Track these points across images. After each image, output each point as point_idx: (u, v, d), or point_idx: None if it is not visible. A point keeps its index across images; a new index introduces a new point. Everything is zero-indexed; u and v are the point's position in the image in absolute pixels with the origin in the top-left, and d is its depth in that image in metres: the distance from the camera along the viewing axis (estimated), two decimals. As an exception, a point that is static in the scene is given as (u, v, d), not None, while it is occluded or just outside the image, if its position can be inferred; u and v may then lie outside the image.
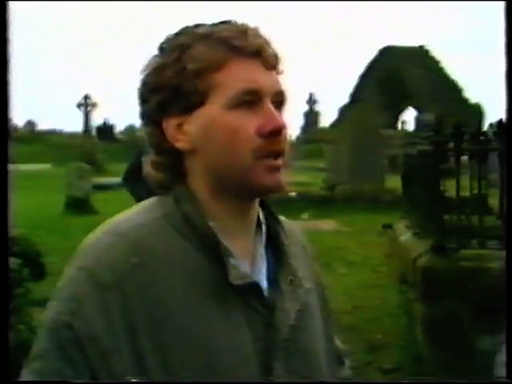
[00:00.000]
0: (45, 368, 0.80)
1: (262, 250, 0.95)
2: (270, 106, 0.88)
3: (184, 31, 0.91)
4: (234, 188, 0.89)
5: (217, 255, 0.86)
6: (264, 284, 0.91)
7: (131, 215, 0.91)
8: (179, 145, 0.89)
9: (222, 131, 0.86)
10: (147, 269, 0.83)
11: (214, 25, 0.90)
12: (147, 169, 0.94)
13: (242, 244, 0.91)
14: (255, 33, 0.90)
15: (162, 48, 0.91)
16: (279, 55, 0.92)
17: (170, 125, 0.89)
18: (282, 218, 1.03)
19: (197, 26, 0.91)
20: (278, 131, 0.87)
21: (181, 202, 0.89)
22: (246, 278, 0.87)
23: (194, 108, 0.88)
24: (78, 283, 0.82)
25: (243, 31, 0.88)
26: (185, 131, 0.89)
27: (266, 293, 0.90)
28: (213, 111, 0.87)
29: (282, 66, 0.93)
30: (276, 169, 0.88)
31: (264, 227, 0.97)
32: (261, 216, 0.97)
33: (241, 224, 0.92)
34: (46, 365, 0.80)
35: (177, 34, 0.91)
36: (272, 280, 0.93)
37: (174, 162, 0.91)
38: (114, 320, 0.80)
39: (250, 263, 0.92)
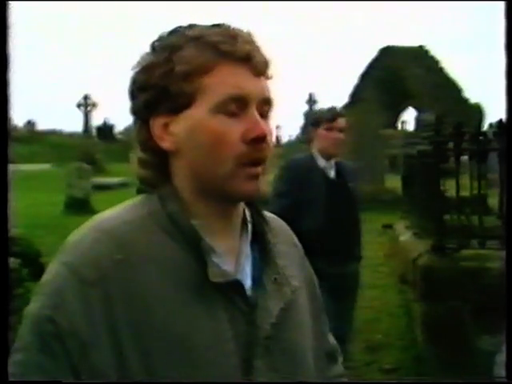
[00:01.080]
0: (26, 360, 0.81)
1: (247, 249, 0.95)
2: (255, 113, 0.88)
3: (176, 31, 0.91)
4: (214, 192, 0.90)
5: (199, 253, 0.86)
6: (248, 282, 0.92)
7: (117, 212, 0.91)
8: (164, 144, 0.90)
9: (206, 135, 0.87)
10: (130, 266, 0.84)
11: (205, 27, 0.91)
12: (133, 165, 0.95)
13: (226, 243, 0.92)
14: (245, 38, 0.90)
15: (153, 47, 0.91)
16: (269, 61, 0.92)
17: (156, 124, 0.90)
18: (270, 215, 1.04)
19: (189, 26, 0.91)
20: (261, 138, 0.88)
21: (166, 200, 0.90)
22: (227, 275, 0.87)
23: (181, 109, 0.88)
24: (61, 278, 0.83)
25: (233, 36, 0.89)
26: (170, 131, 0.89)
27: (249, 291, 0.91)
28: (198, 114, 0.87)
29: (271, 72, 0.93)
30: (255, 176, 0.89)
31: (250, 226, 0.97)
32: (247, 214, 0.98)
33: (225, 223, 0.93)
34: (28, 357, 0.81)
35: (169, 34, 0.91)
36: (256, 278, 0.93)
37: (159, 161, 0.92)
38: (96, 315, 0.81)
39: (235, 262, 0.93)
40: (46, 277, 0.86)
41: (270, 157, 0.91)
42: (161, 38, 0.91)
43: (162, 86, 0.88)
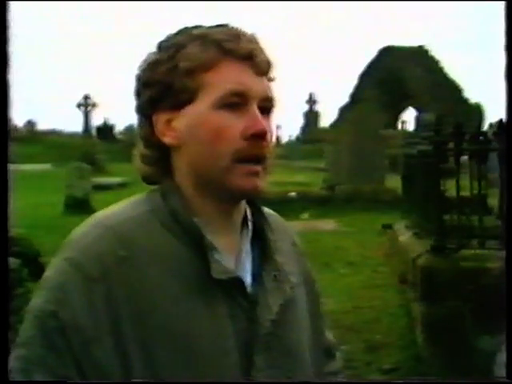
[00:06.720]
0: (29, 355, 0.82)
1: (247, 246, 0.96)
2: (256, 110, 0.90)
3: (182, 31, 0.94)
4: (213, 188, 0.91)
5: (201, 250, 0.88)
6: (248, 279, 0.93)
7: (119, 209, 0.93)
8: (166, 140, 0.92)
9: (206, 130, 0.88)
10: (133, 262, 0.85)
11: (210, 27, 0.93)
12: (136, 162, 0.97)
13: (227, 240, 0.93)
14: (248, 38, 0.92)
15: (159, 46, 0.93)
16: (272, 62, 0.94)
17: (159, 120, 0.92)
18: (271, 213, 1.05)
19: (195, 27, 0.94)
20: (261, 135, 0.89)
21: (168, 197, 0.92)
22: (229, 272, 0.89)
23: (183, 105, 0.90)
24: (64, 274, 0.84)
25: (236, 35, 0.91)
26: (173, 127, 0.91)
27: (249, 288, 0.92)
28: (200, 110, 0.89)
29: (273, 73, 0.95)
30: (254, 173, 0.89)
31: (250, 224, 0.98)
32: (248, 213, 0.99)
33: (226, 221, 0.94)
34: (31, 352, 0.82)
35: (175, 34, 0.94)
36: (256, 275, 0.94)
37: (161, 157, 0.94)
38: (99, 311, 0.82)
39: (235, 259, 0.94)
40: (48, 272, 0.87)
41: (271, 156, 0.92)
42: (167, 38, 0.94)
43: (165, 82, 0.90)
